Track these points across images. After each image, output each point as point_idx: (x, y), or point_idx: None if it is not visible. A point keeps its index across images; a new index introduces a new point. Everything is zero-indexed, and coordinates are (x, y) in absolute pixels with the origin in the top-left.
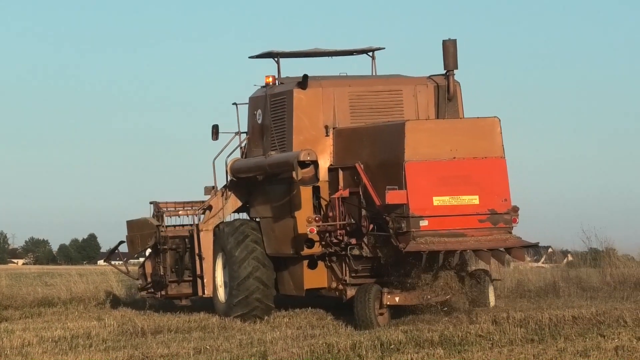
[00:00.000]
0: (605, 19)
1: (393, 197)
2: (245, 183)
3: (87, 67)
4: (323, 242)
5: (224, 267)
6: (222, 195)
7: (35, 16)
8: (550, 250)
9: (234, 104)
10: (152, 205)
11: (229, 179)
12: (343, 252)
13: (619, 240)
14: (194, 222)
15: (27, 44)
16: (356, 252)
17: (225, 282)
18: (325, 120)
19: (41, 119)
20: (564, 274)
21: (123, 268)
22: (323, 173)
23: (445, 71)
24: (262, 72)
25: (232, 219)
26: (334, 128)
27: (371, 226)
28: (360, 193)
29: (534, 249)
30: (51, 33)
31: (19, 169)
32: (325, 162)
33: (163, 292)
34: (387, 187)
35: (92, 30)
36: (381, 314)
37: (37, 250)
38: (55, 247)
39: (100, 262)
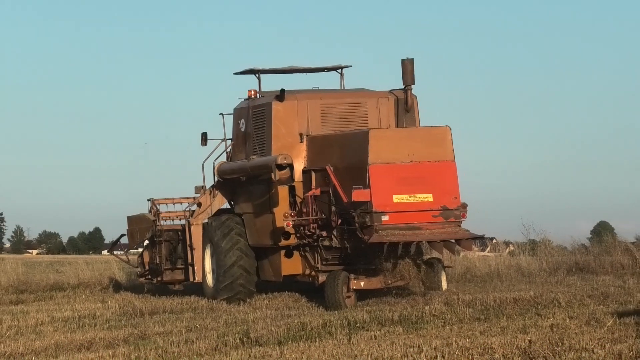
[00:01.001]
0: (546, 35)
1: (358, 195)
2: (230, 183)
3: (100, 79)
4: (298, 235)
5: (212, 256)
6: (210, 193)
7: (35, 19)
8: (494, 241)
9: (221, 114)
10: (149, 202)
11: (216, 180)
12: (315, 243)
13: (554, 233)
14: (186, 217)
15: (36, 55)
16: (327, 243)
17: (213, 270)
18: (300, 128)
19: (54, 127)
20: (507, 262)
21: (124, 257)
22: (298, 174)
23: (404, 86)
24: (245, 87)
25: (219, 215)
26: (307, 135)
27: (340, 221)
28: (330, 192)
29: (480, 240)
30: (54, 40)
31: (33, 171)
32: (299, 165)
33: (159, 278)
34: (353, 186)
35: (101, 40)
36: (348, 297)
37: (49, 242)
38: (65, 239)
39: (104, 252)
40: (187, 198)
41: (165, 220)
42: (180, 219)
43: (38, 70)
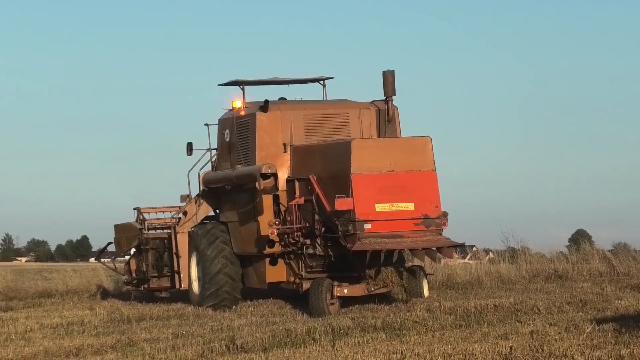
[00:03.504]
0: (526, 43)
1: (341, 204)
2: (215, 192)
3: (87, 88)
4: (282, 243)
5: (198, 264)
6: (196, 202)
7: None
8: (474, 248)
9: (206, 124)
10: (135, 210)
11: (201, 189)
12: (299, 251)
13: (532, 240)
14: (172, 226)
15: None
16: (310, 251)
17: (198, 277)
18: (284, 138)
19: (41, 137)
20: (487, 269)
21: (111, 265)
22: (282, 183)
23: (385, 97)
24: (229, 98)
25: (204, 223)
26: (291, 145)
27: (323, 229)
28: (314, 201)
29: (461, 248)
30: (43, 50)
31: (22, 180)
32: (283, 174)
33: (146, 286)
34: (336, 195)
35: (87, 50)
36: (332, 304)
37: (37, 250)
38: (53, 247)
39: (92, 260)
40: (173, 207)
41: (154, 230)
42: (165, 226)
43: (26, 78)
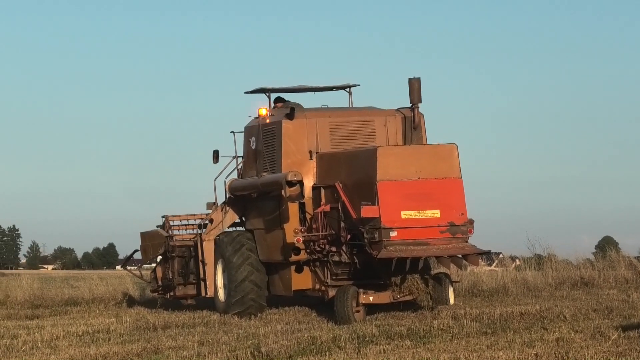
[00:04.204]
0: (553, 52)
1: (367, 211)
2: (241, 200)
3: (114, 97)
4: (308, 250)
5: (224, 271)
6: (222, 210)
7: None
8: (501, 255)
9: (232, 132)
10: (163, 218)
11: (227, 196)
12: (325, 259)
13: (559, 247)
14: (198, 233)
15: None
16: (336, 258)
17: (224, 284)
18: (309, 146)
19: (69, 147)
20: (513, 276)
21: (137, 273)
22: (307, 191)
23: (411, 104)
24: (256, 106)
25: (230, 230)
26: (316, 153)
27: (349, 236)
28: (339, 208)
29: (487, 255)
30: (66, 55)
31: (50, 189)
32: (309, 182)
33: (172, 293)
34: (362, 202)
35: (116, 58)
36: (357, 311)
37: (64, 257)
38: (79, 255)
39: (118, 267)
40: (200, 214)
41: (180, 231)
42: (191, 233)
43: (52, 87)
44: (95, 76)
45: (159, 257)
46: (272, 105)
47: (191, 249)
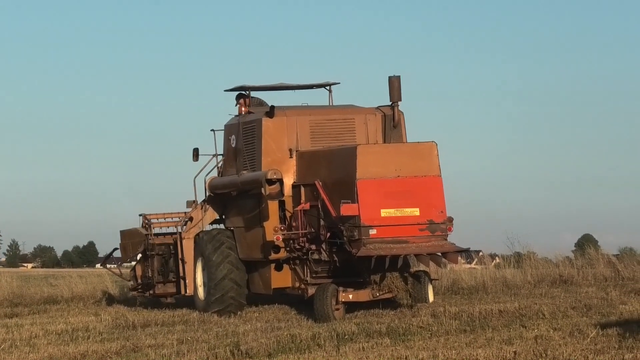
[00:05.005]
0: (531, 49)
1: (347, 209)
2: (221, 198)
3: (93, 95)
4: (288, 248)
5: (203, 269)
6: (202, 208)
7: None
8: (480, 253)
9: (212, 130)
10: (141, 217)
11: (207, 195)
12: (305, 257)
13: (539, 245)
14: (177, 231)
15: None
16: (316, 256)
17: (204, 283)
18: (290, 144)
19: (48, 142)
20: (492, 274)
21: (117, 271)
22: (287, 189)
23: (391, 102)
24: (235, 104)
25: (210, 229)
26: (296, 151)
27: (328, 234)
28: (319, 206)
29: (466, 253)
30: (48, 56)
31: (28, 186)
32: (289, 180)
33: (151, 292)
34: (342, 201)
35: (94, 58)
36: (337, 309)
37: (43, 256)
38: (59, 253)
39: (98, 265)
40: (179, 213)
41: (160, 228)
42: (173, 229)
43: (30, 84)
44: (70, 72)
45: (139, 256)
46: (235, 102)
47: (171, 247)
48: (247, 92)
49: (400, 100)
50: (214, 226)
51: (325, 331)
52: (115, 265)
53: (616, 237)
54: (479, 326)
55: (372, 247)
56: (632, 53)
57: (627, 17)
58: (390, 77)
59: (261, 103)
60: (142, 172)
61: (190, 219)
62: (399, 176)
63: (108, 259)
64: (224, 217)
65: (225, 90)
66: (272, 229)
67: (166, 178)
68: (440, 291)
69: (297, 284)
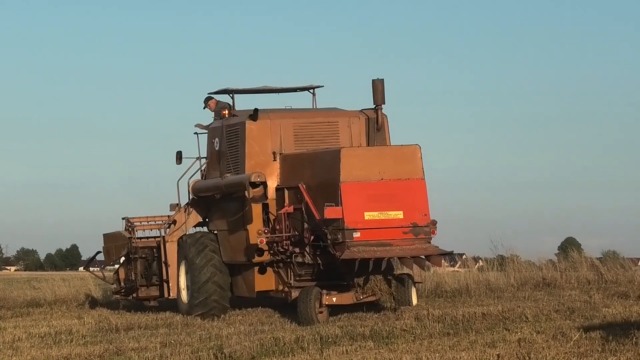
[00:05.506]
0: (514, 51)
1: (330, 212)
2: (204, 201)
3: (75, 97)
4: (271, 251)
5: (187, 273)
6: (185, 211)
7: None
8: (464, 256)
9: (195, 133)
10: (124, 220)
11: (190, 198)
12: (288, 260)
13: (522, 248)
14: (160, 234)
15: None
16: (299, 259)
17: (187, 286)
18: (273, 147)
19: (31, 144)
20: (475, 277)
21: (100, 274)
22: (271, 192)
23: (374, 105)
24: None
25: (193, 232)
26: (280, 154)
27: (312, 237)
28: (303, 209)
29: (450, 256)
30: (35, 60)
31: (11, 189)
32: (273, 183)
33: (134, 295)
34: (326, 203)
35: (78, 61)
36: (321, 312)
37: (26, 259)
38: (42, 256)
39: (81, 269)
40: (162, 216)
41: (143, 231)
42: (157, 231)
43: (14, 85)
44: (58, 73)
45: (122, 259)
46: (203, 105)
47: (154, 250)
48: (231, 94)
49: (384, 103)
50: (198, 229)
51: (308, 334)
52: (99, 269)
53: (599, 240)
54: (463, 329)
55: (356, 250)
56: (601, 56)
57: (623, 19)
58: (374, 80)
59: (227, 107)
60: (124, 176)
61: (174, 222)
62: (382, 179)
63: (91, 262)
64: (207, 220)
65: (209, 94)
66: (256, 231)
67: (150, 181)
68: (423, 294)
69: (281, 287)
